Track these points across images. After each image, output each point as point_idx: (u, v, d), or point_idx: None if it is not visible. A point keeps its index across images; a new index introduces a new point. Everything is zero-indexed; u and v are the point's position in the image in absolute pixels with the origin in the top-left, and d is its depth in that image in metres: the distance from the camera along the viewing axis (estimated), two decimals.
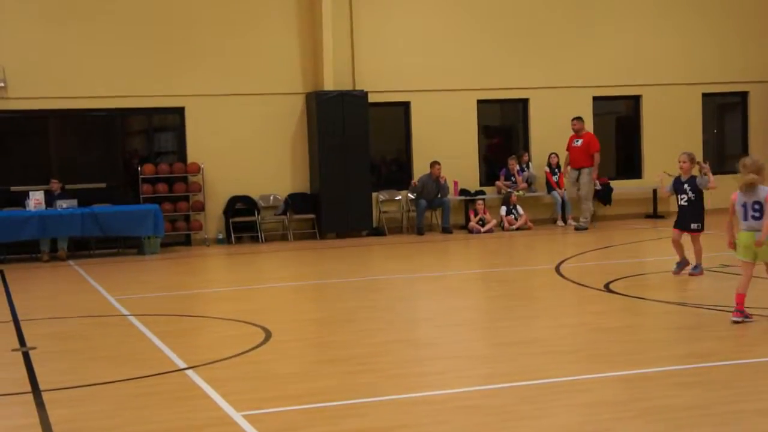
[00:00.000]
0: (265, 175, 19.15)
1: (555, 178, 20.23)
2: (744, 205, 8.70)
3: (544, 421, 5.91)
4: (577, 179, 19.02)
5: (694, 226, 11.69)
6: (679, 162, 11.75)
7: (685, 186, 11.66)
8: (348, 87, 19.34)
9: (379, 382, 7.10)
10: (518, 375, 7.12)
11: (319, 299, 12.06)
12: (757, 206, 8.61)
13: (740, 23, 21.36)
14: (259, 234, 19.05)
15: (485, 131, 20.93)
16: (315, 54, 19.31)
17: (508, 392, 6.64)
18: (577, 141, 19.17)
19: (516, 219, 19.49)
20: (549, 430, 5.73)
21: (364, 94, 19.27)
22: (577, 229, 18.97)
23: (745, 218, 8.71)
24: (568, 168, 19.33)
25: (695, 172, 11.86)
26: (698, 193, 11.65)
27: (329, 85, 19.09)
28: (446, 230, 19.37)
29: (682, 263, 11.80)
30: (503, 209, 19.59)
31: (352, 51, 19.48)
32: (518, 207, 19.61)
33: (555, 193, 20.21)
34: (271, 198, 19.31)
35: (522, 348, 8.21)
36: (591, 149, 18.97)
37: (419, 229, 19.27)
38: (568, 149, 19.37)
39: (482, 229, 19.09)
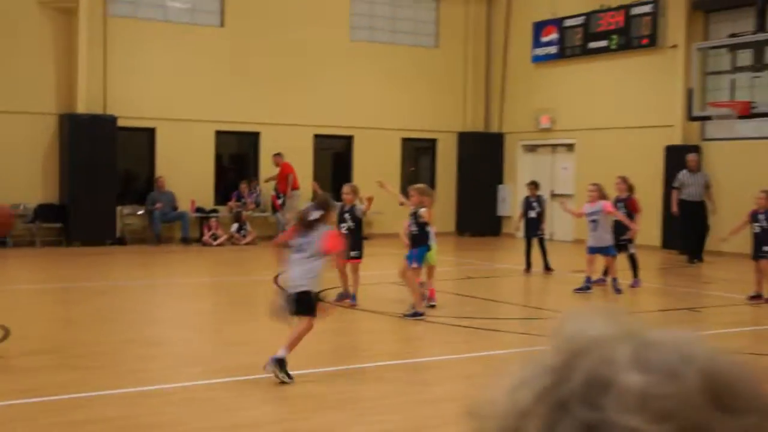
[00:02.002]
0: (17, 186, 17.94)
1: (279, 201, 20.41)
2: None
3: (252, 411, 5.98)
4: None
5: (353, 254, 10.48)
6: (343, 193, 10.96)
7: (346, 215, 10.76)
8: (99, 111, 18.55)
9: (110, 377, 6.90)
10: (234, 371, 7.14)
11: (62, 301, 11.48)
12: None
13: (431, 85, 22.53)
14: (7, 239, 17.79)
15: (221, 157, 20.79)
16: (69, 78, 18.40)
17: (224, 386, 6.66)
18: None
19: (245, 235, 19.47)
20: (256, 419, 5.80)
21: (113, 119, 18.57)
22: None
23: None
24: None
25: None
26: (358, 222, 10.84)
27: (82, 108, 18.25)
28: (185, 241, 19.02)
29: (345, 294, 10.75)
30: (234, 226, 19.51)
31: (105, 78, 18.74)
32: (247, 224, 19.61)
33: (278, 214, 20.39)
34: (21, 207, 18.09)
35: (240, 348, 8.24)
36: (284, 172, 19.37)
37: (157, 238, 18.78)
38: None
39: (215, 243, 18.92)
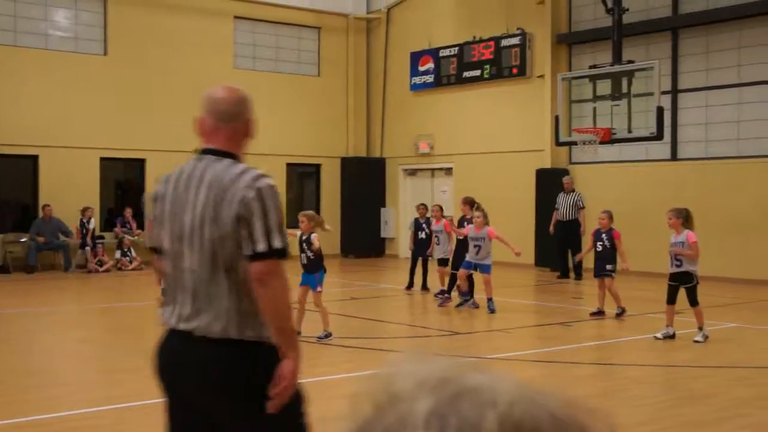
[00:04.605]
0: None
1: None
2: None
3: None
4: None
5: None
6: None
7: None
8: None
9: None
10: (119, 398, 6.94)
11: None
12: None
13: (314, 112, 22.58)
14: None
15: (107, 184, 20.20)
16: None
17: (108, 414, 6.47)
18: None
19: (130, 261, 18.95)
20: None
21: None
22: None
23: None
24: None
25: None
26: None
27: None
28: (67, 269, 18.34)
29: None
30: (118, 252, 18.96)
31: None
32: (132, 250, 19.09)
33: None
34: None
35: (126, 374, 8.00)
36: None
37: (31, 267, 17.99)
38: None
39: (101, 270, 18.33)
